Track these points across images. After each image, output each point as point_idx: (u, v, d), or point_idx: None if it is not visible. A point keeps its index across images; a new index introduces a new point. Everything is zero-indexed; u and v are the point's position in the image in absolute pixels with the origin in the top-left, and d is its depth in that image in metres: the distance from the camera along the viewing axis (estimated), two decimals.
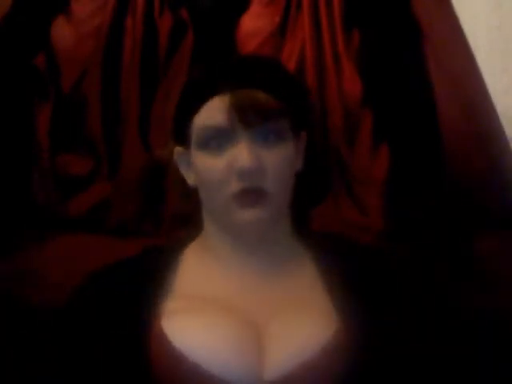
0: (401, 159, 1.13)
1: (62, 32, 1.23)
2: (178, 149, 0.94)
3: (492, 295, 1.01)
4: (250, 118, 0.83)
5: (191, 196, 0.94)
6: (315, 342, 0.79)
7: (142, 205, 1.13)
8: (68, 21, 1.24)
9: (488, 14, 1.36)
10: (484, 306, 0.99)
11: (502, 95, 1.24)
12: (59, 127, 1.17)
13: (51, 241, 1.08)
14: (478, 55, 1.18)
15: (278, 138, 0.86)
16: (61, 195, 1.13)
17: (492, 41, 1.33)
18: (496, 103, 1.15)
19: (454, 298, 0.97)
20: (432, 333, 0.85)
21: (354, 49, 1.20)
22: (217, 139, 0.85)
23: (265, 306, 0.84)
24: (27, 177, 1.13)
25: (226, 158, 0.84)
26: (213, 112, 0.86)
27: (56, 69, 1.21)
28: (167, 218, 1.11)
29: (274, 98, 0.86)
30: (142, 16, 1.21)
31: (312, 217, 1.11)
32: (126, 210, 1.12)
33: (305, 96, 1.08)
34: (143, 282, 0.86)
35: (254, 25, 1.21)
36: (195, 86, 0.93)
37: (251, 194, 0.83)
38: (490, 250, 1.05)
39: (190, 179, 0.93)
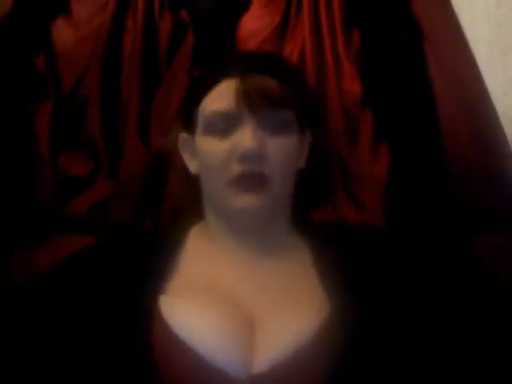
0: (401, 159, 1.13)
1: (63, 33, 1.23)
2: (182, 135, 0.95)
3: (491, 294, 1.01)
4: (257, 103, 0.84)
5: (192, 186, 0.94)
6: (303, 335, 0.79)
7: (142, 203, 1.13)
8: (68, 22, 1.24)
9: (488, 13, 1.36)
10: (483, 305, 0.99)
11: (501, 95, 1.24)
12: (59, 127, 1.17)
13: (52, 241, 1.08)
14: (478, 55, 1.18)
15: (284, 128, 0.87)
16: (61, 195, 1.13)
17: (492, 40, 1.33)
18: (496, 103, 1.15)
19: (454, 296, 0.97)
20: (427, 329, 0.87)
21: (354, 49, 1.20)
22: (223, 123, 0.86)
23: (259, 293, 0.86)
24: (28, 177, 1.13)
25: (230, 142, 0.85)
26: (220, 96, 0.87)
27: (56, 69, 1.21)
28: (166, 215, 1.12)
29: (281, 85, 0.87)
30: (142, 17, 1.22)
31: (312, 215, 1.11)
32: (127, 209, 1.13)
33: (308, 88, 1.09)
34: (144, 265, 0.88)
35: (254, 25, 1.21)
36: (204, 71, 0.94)
37: (251, 179, 0.84)
38: (490, 249, 1.06)
39: (193, 167, 0.94)
